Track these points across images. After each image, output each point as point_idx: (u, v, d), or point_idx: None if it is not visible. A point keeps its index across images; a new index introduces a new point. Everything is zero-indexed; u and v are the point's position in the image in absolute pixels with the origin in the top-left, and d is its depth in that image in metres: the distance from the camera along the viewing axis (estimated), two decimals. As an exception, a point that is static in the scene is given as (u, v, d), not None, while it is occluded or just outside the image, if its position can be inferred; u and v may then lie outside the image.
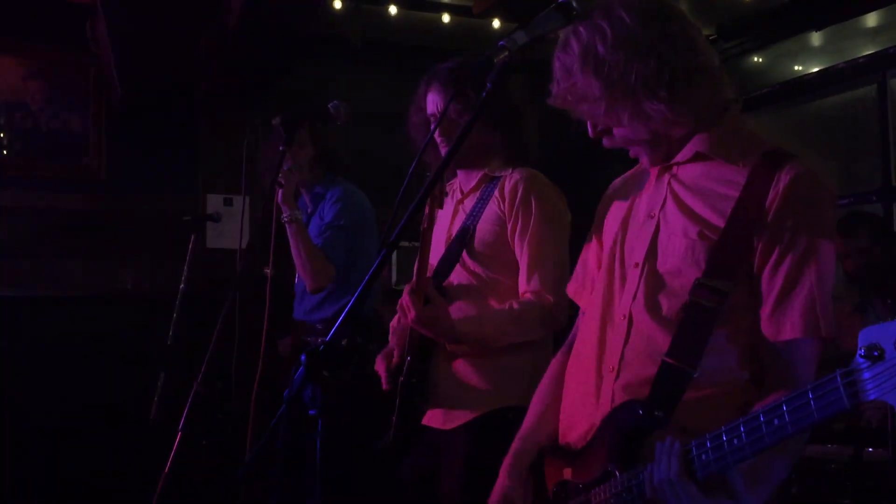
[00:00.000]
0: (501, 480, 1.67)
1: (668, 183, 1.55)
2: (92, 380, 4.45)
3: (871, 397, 1.04)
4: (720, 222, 1.44)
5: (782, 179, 1.40)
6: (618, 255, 1.59)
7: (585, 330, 1.64)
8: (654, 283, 1.50)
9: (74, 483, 4.33)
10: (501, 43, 1.33)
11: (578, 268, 1.81)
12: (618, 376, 1.50)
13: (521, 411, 2.13)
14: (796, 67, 5.37)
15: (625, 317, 1.52)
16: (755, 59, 5.44)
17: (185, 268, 3.89)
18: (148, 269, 4.72)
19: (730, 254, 1.41)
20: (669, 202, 1.53)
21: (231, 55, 4.41)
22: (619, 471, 1.42)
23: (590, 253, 1.77)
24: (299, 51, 4.43)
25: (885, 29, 4.93)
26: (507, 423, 2.20)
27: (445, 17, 4.92)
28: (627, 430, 1.42)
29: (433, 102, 2.40)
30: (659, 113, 1.44)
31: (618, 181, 1.76)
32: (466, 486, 2.22)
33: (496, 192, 2.33)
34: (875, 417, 3.26)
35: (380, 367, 2.37)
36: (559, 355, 1.81)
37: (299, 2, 3.97)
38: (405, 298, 2.18)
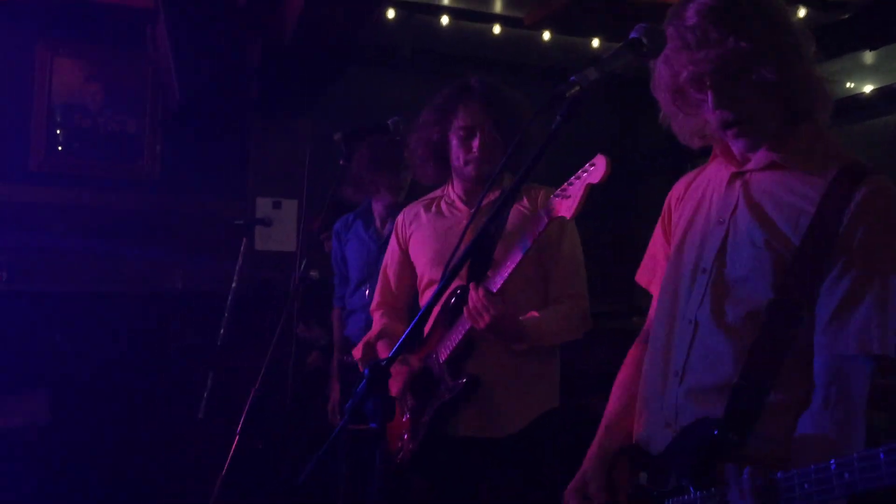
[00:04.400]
0: (584, 467, 1.69)
1: (741, 189, 1.55)
2: (141, 377, 4.54)
3: None
4: (791, 234, 1.44)
5: (859, 194, 1.40)
6: (686, 258, 1.60)
7: (654, 330, 1.66)
8: (721, 289, 1.51)
9: (122, 481, 4.41)
10: (573, 78, 1.35)
11: (647, 258, 1.83)
12: (682, 380, 1.52)
13: (557, 412, 2.33)
14: (849, 85, 5.31)
15: (691, 322, 1.54)
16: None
17: (237, 269, 3.96)
18: (198, 269, 4.81)
19: (804, 275, 1.41)
20: (741, 209, 1.53)
21: (284, 62, 4.49)
22: (693, 486, 1.44)
23: (657, 245, 1.79)
24: (351, 59, 4.50)
25: (940, 50, 4.87)
26: (557, 423, 2.34)
27: (496, 28, 4.95)
28: (702, 448, 1.44)
29: (472, 115, 2.42)
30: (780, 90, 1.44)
31: (688, 176, 1.76)
32: (527, 491, 2.30)
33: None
34: None
35: (393, 389, 2.42)
36: (636, 346, 1.82)
37: (353, 11, 4.03)
38: (480, 300, 2.15)
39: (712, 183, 1.64)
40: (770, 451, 1.36)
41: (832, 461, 1.18)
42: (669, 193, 1.77)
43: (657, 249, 1.79)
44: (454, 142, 2.45)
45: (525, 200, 2.43)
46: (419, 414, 2.40)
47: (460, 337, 2.31)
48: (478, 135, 2.40)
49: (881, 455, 1.09)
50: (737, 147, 1.58)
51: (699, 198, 1.65)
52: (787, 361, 1.42)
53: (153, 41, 4.79)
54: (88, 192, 4.74)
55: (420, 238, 2.55)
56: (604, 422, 1.74)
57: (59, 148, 4.77)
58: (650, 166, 5.95)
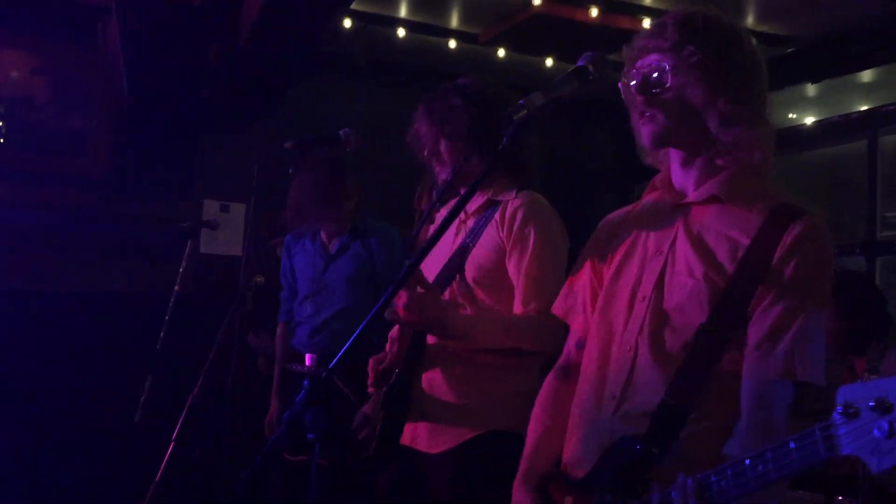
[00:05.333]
0: (519, 495, 1.72)
1: (680, 221, 1.60)
2: (76, 379, 4.45)
3: (845, 452, 1.12)
4: (728, 266, 1.50)
5: (792, 232, 1.47)
6: (623, 287, 1.64)
7: (588, 356, 1.69)
8: (660, 318, 1.55)
9: (54, 485, 4.31)
10: (520, 102, 1.39)
11: (566, 289, 1.85)
12: (619, 406, 1.56)
13: (507, 437, 2.21)
14: (791, 116, 5.48)
15: (630, 348, 1.57)
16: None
17: (180, 272, 3.92)
18: (141, 271, 4.74)
19: (735, 302, 1.48)
20: (680, 241, 1.58)
21: (239, 65, 4.47)
22: (614, 502, 1.48)
23: (581, 278, 1.80)
24: (306, 66, 4.50)
25: (879, 86, 5.05)
26: (493, 447, 2.25)
27: (452, 43, 4.99)
28: (625, 465, 1.49)
29: (425, 130, 2.44)
30: (725, 116, 1.52)
31: (613, 215, 1.81)
32: None
33: (496, 216, 2.34)
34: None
35: (370, 367, 2.39)
36: (551, 378, 1.85)
37: (309, 19, 4.03)
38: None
39: (649, 216, 1.69)
40: (696, 457, 1.41)
41: (746, 458, 1.25)
42: (597, 229, 1.81)
43: (579, 280, 1.81)
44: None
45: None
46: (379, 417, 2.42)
47: (407, 339, 2.32)
48: (428, 147, 2.42)
49: (791, 444, 1.18)
50: (686, 177, 1.63)
51: (636, 230, 1.69)
52: (713, 385, 1.48)
53: (104, 37, 4.72)
54: (30, 188, 4.63)
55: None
56: (523, 455, 1.79)
57: (1, 141, 4.67)
58: (600, 184, 6.04)
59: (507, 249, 2.29)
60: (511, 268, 2.29)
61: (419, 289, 2.15)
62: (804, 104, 5.37)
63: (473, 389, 2.30)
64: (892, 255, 4.82)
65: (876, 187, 4.87)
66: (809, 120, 5.34)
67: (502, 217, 2.32)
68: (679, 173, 1.65)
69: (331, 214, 3.43)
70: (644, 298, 1.59)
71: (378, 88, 5.35)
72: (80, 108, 4.81)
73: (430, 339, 2.33)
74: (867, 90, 5.15)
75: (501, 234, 2.31)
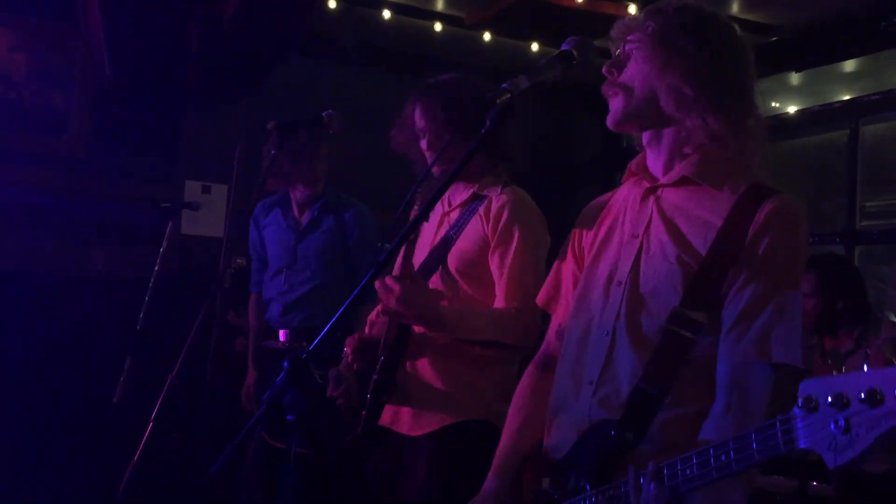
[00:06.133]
0: (489, 483, 1.73)
1: (653, 204, 1.60)
2: (55, 359, 4.42)
3: (802, 445, 1.13)
4: (701, 248, 1.49)
5: (763, 210, 1.46)
6: (601, 271, 1.64)
7: (567, 342, 1.69)
8: (636, 302, 1.55)
9: (32, 465, 4.30)
10: (504, 85, 1.39)
11: (550, 279, 1.86)
12: (596, 391, 1.56)
13: (486, 424, 2.29)
14: (774, 104, 5.51)
15: (608, 333, 1.57)
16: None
17: (161, 253, 3.89)
18: (121, 252, 4.70)
19: (708, 284, 1.47)
20: (654, 224, 1.58)
21: (222, 45, 4.42)
22: (589, 485, 1.49)
23: (564, 267, 1.82)
24: (290, 47, 4.46)
25: (861, 76, 5.08)
26: (471, 435, 2.31)
27: (437, 26, 4.97)
28: (601, 449, 1.49)
29: (419, 118, 2.48)
30: (690, 98, 1.50)
31: (595, 202, 1.81)
32: (427, 493, 2.30)
33: (481, 210, 2.40)
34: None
35: (348, 345, 2.44)
36: (532, 368, 1.87)
37: (295, -1, 4.00)
38: (388, 280, 2.19)
39: (626, 201, 1.69)
40: (671, 443, 1.42)
41: (711, 447, 1.26)
42: (580, 216, 1.81)
43: (562, 270, 1.82)
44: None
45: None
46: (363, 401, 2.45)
47: (392, 329, 2.35)
48: (426, 136, 2.46)
49: (752, 435, 1.19)
50: (656, 159, 1.63)
51: (614, 215, 1.70)
52: (689, 370, 1.47)
53: (84, 14, 4.66)
54: (8, 168, 4.58)
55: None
56: (502, 441, 1.79)
57: (-21, 118, 4.60)
58: (587, 172, 6.06)
59: (491, 244, 2.36)
60: (493, 263, 2.36)
61: (410, 280, 2.19)
62: (787, 93, 5.40)
63: (457, 378, 2.36)
64: (871, 244, 4.86)
65: (856, 177, 4.91)
66: (792, 109, 5.37)
67: (487, 211, 2.38)
68: (650, 156, 1.65)
69: (302, 172, 3.39)
70: (620, 283, 1.59)
71: (363, 71, 5.32)
72: (60, 87, 4.74)
73: (417, 328, 2.36)
74: (850, 80, 5.17)
75: (486, 228, 2.37)
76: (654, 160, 1.64)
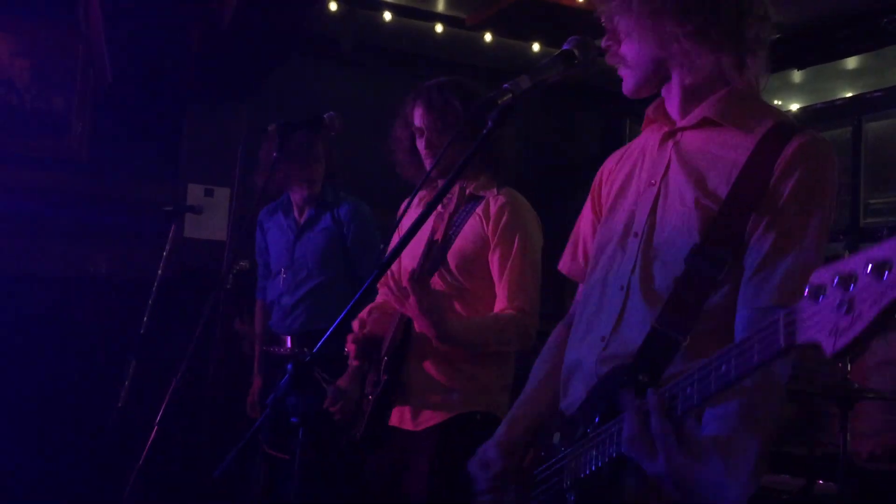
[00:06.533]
0: (500, 429, 1.68)
1: (672, 149, 1.51)
2: (59, 363, 4.42)
3: (803, 337, 1.00)
4: (722, 190, 1.40)
5: (791, 146, 1.37)
6: (617, 223, 1.56)
7: (584, 300, 1.61)
8: (651, 253, 1.47)
9: (36, 468, 4.30)
10: (506, 85, 1.38)
11: (571, 242, 1.79)
12: (607, 346, 1.48)
13: (488, 416, 2.36)
14: (776, 102, 5.50)
15: (622, 287, 1.49)
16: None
17: (164, 256, 3.89)
18: (124, 255, 4.70)
19: (730, 225, 1.37)
20: (673, 169, 1.49)
21: (223, 47, 4.42)
22: (590, 430, 1.42)
23: (584, 225, 1.75)
24: (291, 49, 4.45)
25: (863, 73, 5.07)
26: (474, 427, 2.37)
27: (438, 27, 4.97)
28: (612, 394, 1.39)
29: (419, 117, 2.51)
30: (675, 38, 1.42)
31: (616, 153, 1.72)
32: (431, 485, 2.34)
33: (479, 210, 2.45)
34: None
35: (349, 345, 2.46)
36: (559, 327, 1.79)
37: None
38: (407, 283, 2.22)
39: (644, 148, 1.60)
40: None
41: (712, 359, 1.15)
42: (599, 171, 1.73)
43: (582, 227, 1.75)
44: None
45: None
46: (367, 401, 2.47)
47: (399, 330, 2.39)
48: (425, 136, 2.48)
49: (755, 336, 1.09)
50: (671, 104, 1.55)
51: (632, 164, 1.61)
52: (706, 319, 1.37)
53: (85, 18, 4.66)
54: (11, 171, 4.58)
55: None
56: (517, 401, 1.73)
57: (-18, 123, 4.60)
58: (586, 174, 6.04)
59: (491, 244, 2.41)
60: (494, 263, 2.42)
61: (421, 286, 2.22)
62: (790, 90, 5.39)
63: (459, 373, 2.40)
64: (875, 241, 4.84)
65: (860, 174, 4.90)
66: (794, 106, 5.36)
67: (486, 212, 2.43)
68: (669, 99, 1.55)
69: (296, 172, 3.38)
70: (637, 234, 1.50)
71: (364, 72, 5.32)
72: (61, 91, 4.74)
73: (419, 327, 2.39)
74: (852, 77, 5.17)
75: (486, 228, 2.42)
76: (672, 104, 1.55)
